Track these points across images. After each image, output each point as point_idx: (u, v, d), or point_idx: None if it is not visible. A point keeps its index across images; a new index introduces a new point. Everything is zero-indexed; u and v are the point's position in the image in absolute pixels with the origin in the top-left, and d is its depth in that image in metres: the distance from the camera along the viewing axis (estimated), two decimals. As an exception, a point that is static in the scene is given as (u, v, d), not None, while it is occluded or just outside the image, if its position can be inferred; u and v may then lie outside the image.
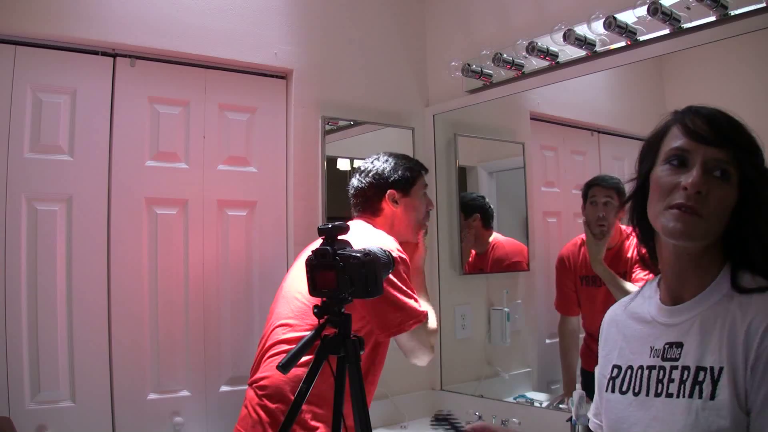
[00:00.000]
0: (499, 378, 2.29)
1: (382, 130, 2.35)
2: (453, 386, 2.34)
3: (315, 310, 1.26)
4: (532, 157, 2.24)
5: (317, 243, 1.79)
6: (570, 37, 1.83)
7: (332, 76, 2.24)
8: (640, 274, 1.81)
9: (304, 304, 1.62)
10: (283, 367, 1.20)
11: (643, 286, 1.08)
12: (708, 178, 0.88)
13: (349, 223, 1.81)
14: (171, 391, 1.89)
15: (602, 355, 1.08)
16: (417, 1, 2.52)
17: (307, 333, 1.57)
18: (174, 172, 1.94)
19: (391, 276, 1.57)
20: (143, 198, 1.88)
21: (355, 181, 1.83)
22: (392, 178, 1.77)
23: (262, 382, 1.58)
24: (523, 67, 2.08)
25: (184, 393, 1.91)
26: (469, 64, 2.19)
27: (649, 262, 1.05)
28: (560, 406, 2.02)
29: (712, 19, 1.57)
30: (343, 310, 1.26)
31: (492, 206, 2.40)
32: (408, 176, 1.78)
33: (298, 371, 1.52)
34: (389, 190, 1.76)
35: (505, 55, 2.07)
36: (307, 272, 1.27)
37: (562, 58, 1.96)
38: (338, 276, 1.22)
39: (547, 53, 1.96)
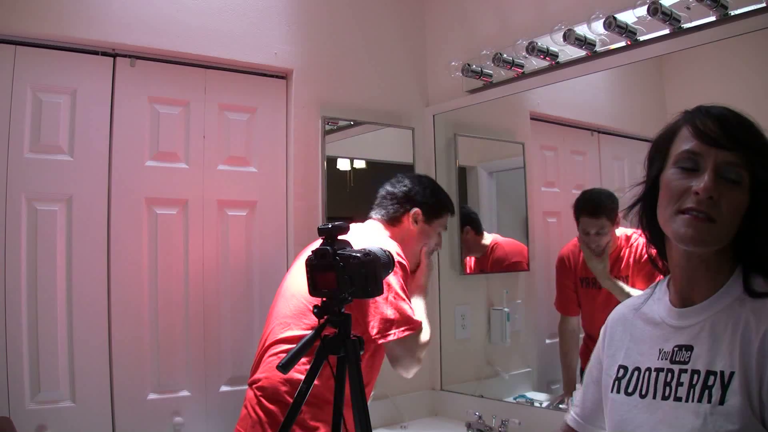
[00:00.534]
0: (499, 378, 2.29)
1: (382, 130, 2.35)
2: (453, 386, 2.34)
3: (315, 310, 1.26)
4: (532, 157, 2.24)
5: (318, 243, 1.81)
6: (570, 37, 1.83)
7: (332, 76, 2.24)
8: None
9: (302, 304, 1.62)
10: (283, 367, 1.21)
11: (653, 286, 1.06)
12: (719, 181, 0.87)
13: (363, 223, 1.85)
14: (171, 391, 1.89)
15: (608, 354, 1.06)
16: (417, 1, 2.52)
17: (307, 333, 1.58)
18: (174, 172, 1.94)
19: (389, 279, 1.58)
20: (143, 198, 1.88)
21: (389, 186, 1.87)
22: (424, 201, 1.83)
23: (260, 383, 1.58)
24: (523, 67, 2.08)
25: (184, 393, 1.91)
26: (469, 64, 2.19)
27: (659, 263, 1.03)
28: (560, 406, 2.02)
29: (712, 19, 1.57)
30: (343, 310, 1.26)
31: (476, 210, 2.42)
32: (437, 207, 1.85)
33: (297, 374, 1.53)
34: (417, 209, 1.81)
35: (505, 55, 2.07)
36: (307, 272, 1.27)
37: (562, 58, 1.96)
38: (338, 276, 1.22)
39: (547, 53, 1.96)
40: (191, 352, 1.93)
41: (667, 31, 1.68)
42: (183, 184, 1.95)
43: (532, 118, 2.22)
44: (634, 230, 1.82)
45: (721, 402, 0.83)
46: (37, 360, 1.69)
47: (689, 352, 0.91)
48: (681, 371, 0.90)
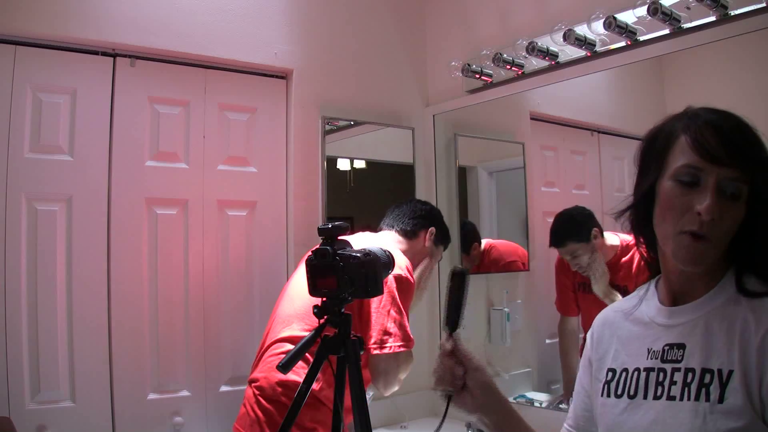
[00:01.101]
0: (499, 378, 2.28)
1: (382, 130, 2.35)
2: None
3: (315, 310, 1.26)
4: (532, 157, 2.24)
5: None
6: (570, 37, 1.83)
7: (332, 76, 2.24)
8: None
9: (305, 304, 1.63)
10: (283, 367, 1.21)
11: (639, 289, 1.05)
12: (720, 199, 0.85)
13: (376, 233, 1.90)
14: (171, 391, 1.89)
15: (596, 359, 1.05)
16: (417, 1, 2.52)
17: (307, 333, 1.59)
18: (174, 172, 1.94)
19: (394, 293, 1.59)
20: (143, 198, 1.88)
21: (413, 204, 1.98)
22: (439, 225, 1.97)
23: (259, 382, 1.59)
24: (523, 67, 2.08)
25: (184, 393, 1.91)
26: (469, 64, 2.19)
27: (652, 264, 1.02)
28: (560, 406, 2.02)
29: (712, 19, 1.57)
30: (343, 310, 1.26)
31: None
32: (446, 235, 1.99)
33: (294, 376, 1.54)
34: (433, 228, 1.93)
35: (505, 55, 2.07)
36: (308, 272, 1.27)
37: (562, 58, 1.96)
38: (338, 276, 1.22)
39: (547, 53, 1.96)
40: (191, 352, 1.93)
41: (667, 31, 1.67)
42: (183, 184, 1.95)
43: (532, 118, 2.22)
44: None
45: (720, 400, 0.83)
46: (37, 360, 1.69)
47: (681, 351, 0.90)
48: (674, 370, 0.89)
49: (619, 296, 1.86)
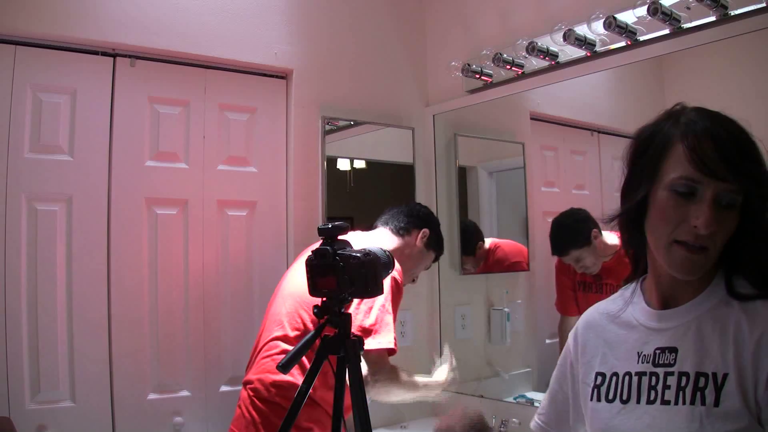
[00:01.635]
0: (499, 378, 2.28)
1: (382, 130, 2.35)
2: (453, 386, 2.33)
3: (315, 310, 1.26)
4: (532, 157, 2.24)
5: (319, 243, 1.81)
6: (570, 37, 1.82)
7: (332, 76, 2.24)
8: None
9: (297, 303, 1.63)
10: (283, 367, 1.21)
11: (623, 290, 1.04)
12: (716, 209, 0.84)
13: (368, 231, 1.89)
14: (171, 391, 1.89)
15: (582, 362, 1.04)
16: (417, 1, 2.52)
17: (298, 333, 1.59)
18: (174, 172, 1.94)
19: (387, 296, 1.60)
20: (143, 198, 1.88)
21: (412, 205, 1.98)
22: (434, 230, 1.94)
23: (253, 384, 1.60)
24: (523, 67, 2.08)
25: (184, 393, 1.91)
26: (469, 64, 2.19)
27: (639, 266, 1.01)
28: (560, 406, 2.02)
29: (712, 19, 1.57)
30: (343, 310, 1.26)
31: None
32: (439, 242, 1.96)
33: (287, 377, 1.54)
34: (427, 229, 1.91)
35: (505, 55, 2.07)
36: (307, 272, 1.27)
37: (562, 58, 1.96)
38: (338, 276, 1.22)
39: (547, 53, 1.96)
40: (191, 352, 1.93)
41: (667, 31, 1.67)
42: (183, 184, 1.95)
43: (532, 118, 2.22)
44: None
45: (716, 404, 0.82)
46: (37, 360, 1.69)
47: (674, 354, 0.89)
48: (666, 374, 0.89)
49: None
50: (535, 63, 2.02)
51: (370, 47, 2.35)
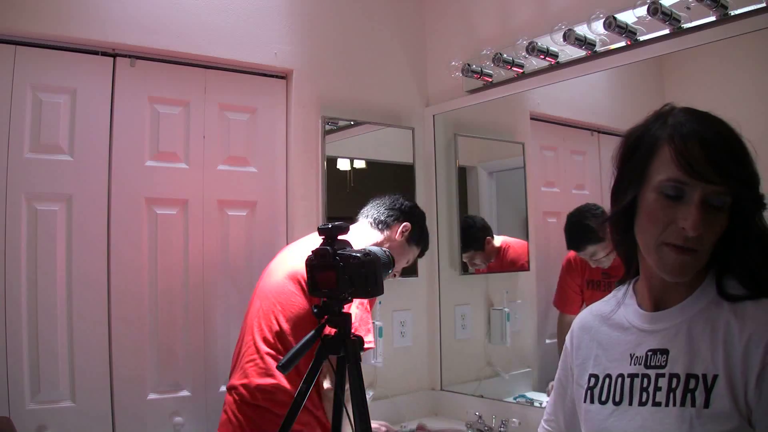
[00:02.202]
0: (499, 378, 2.28)
1: (382, 130, 2.35)
2: (453, 386, 2.34)
3: (315, 310, 1.26)
4: (532, 157, 2.24)
5: (298, 243, 1.79)
6: (570, 37, 1.83)
7: (332, 76, 2.24)
8: None
9: (270, 304, 1.63)
10: (283, 367, 1.21)
11: (615, 291, 1.05)
12: (705, 211, 0.84)
13: (352, 226, 1.85)
14: (171, 391, 1.89)
15: (576, 363, 1.04)
16: (417, 1, 2.52)
17: (270, 336, 1.58)
18: (174, 172, 1.94)
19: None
20: (143, 198, 1.88)
21: (395, 197, 1.91)
22: (417, 224, 1.88)
23: (238, 389, 1.60)
24: (523, 67, 2.08)
25: (184, 393, 1.91)
26: (469, 64, 2.19)
27: (629, 267, 1.01)
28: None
29: (712, 19, 1.57)
30: (342, 310, 1.26)
31: (477, 211, 2.42)
32: (422, 236, 1.91)
33: (271, 380, 1.54)
34: (408, 223, 1.85)
35: (505, 55, 2.07)
36: (307, 272, 1.27)
37: (562, 58, 1.96)
38: (338, 276, 1.22)
39: (547, 53, 1.96)
40: (191, 352, 1.93)
41: (667, 31, 1.67)
42: (183, 184, 1.95)
43: (532, 118, 2.22)
44: None
45: (706, 405, 0.82)
46: (37, 360, 1.69)
47: (665, 356, 0.89)
48: (658, 375, 0.89)
49: None
50: (535, 63, 2.03)
51: (370, 47, 2.35)
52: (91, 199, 1.80)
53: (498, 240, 2.36)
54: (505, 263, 2.36)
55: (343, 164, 2.27)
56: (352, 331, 1.54)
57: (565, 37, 1.84)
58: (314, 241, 1.74)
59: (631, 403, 0.91)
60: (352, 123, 2.29)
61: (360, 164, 2.30)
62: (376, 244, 1.78)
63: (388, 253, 1.42)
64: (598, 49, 1.85)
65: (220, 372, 1.97)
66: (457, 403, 2.25)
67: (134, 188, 1.87)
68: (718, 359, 0.84)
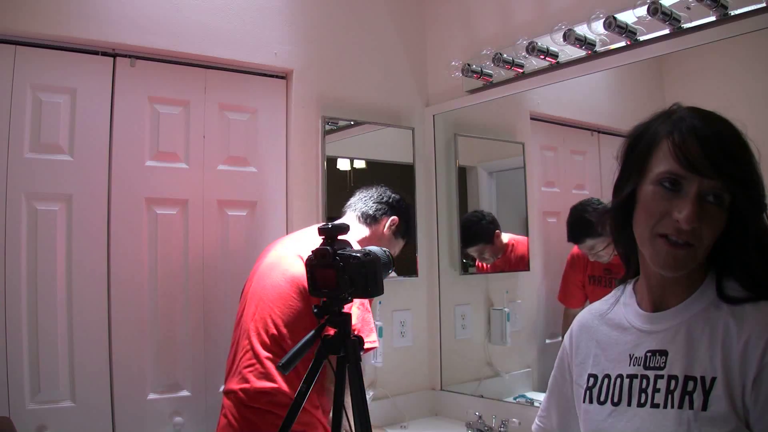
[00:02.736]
0: (499, 378, 2.29)
1: (382, 130, 2.35)
2: (453, 386, 2.34)
3: (315, 310, 1.26)
4: (532, 157, 2.24)
5: (283, 241, 1.78)
6: (570, 37, 1.83)
7: (332, 76, 2.24)
8: None
9: (267, 307, 1.62)
10: (283, 367, 1.21)
11: (615, 291, 1.04)
12: (701, 205, 0.84)
13: (339, 221, 1.85)
14: (171, 391, 1.89)
15: (576, 363, 1.04)
16: (417, 1, 2.52)
17: (265, 338, 1.58)
18: (174, 172, 1.94)
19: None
20: (143, 198, 1.88)
21: (382, 190, 1.92)
22: (404, 217, 1.90)
23: (237, 393, 1.58)
24: (523, 67, 2.08)
25: (184, 393, 1.91)
26: (469, 64, 2.19)
27: (628, 266, 1.02)
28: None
29: (712, 19, 1.57)
30: (342, 310, 1.26)
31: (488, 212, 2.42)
32: (409, 231, 1.95)
33: (272, 384, 1.53)
34: (396, 217, 1.87)
35: (505, 55, 2.07)
36: (307, 272, 1.27)
37: (562, 58, 1.96)
38: (338, 276, 1.22)
39: (547, 53, 1.96)
40: (191, 352, 1.93)
41: (667, 31, 1.67)
42: (183, 184, 1.95)
43: (532, 118, 2.23)
44: None
45: (704, 408, 0.82)
46: (37, 360, 1.69)
47: (664, 357, 0.89)
48: (657, 377, 0.89)
49: None
50: (535, 63, 2.03)
51: (370, 47, 2.35)
52: (91, 199, 1.80)
53: (505, 237, 2.36)
54: (512, 261, 2.35)
55: (343, 164, 2.27)
56: (354, 331, 1.56)
57: (565, 37, 1.84)
58: (303, 238, 1.73)
59: (629, 404, 0.91)
60: (352, 123, 2.29)
61: (360, 164, 2.30)
62: (364, 239, 1.78)
63: (388, 253, 1.42)
64: (598, 49, 1.85)
65: (220, 372, 1.96)
66: (457, 403, 2.25)
67: (134, 188, 1.87)
68: (717, 361, 0.84)
